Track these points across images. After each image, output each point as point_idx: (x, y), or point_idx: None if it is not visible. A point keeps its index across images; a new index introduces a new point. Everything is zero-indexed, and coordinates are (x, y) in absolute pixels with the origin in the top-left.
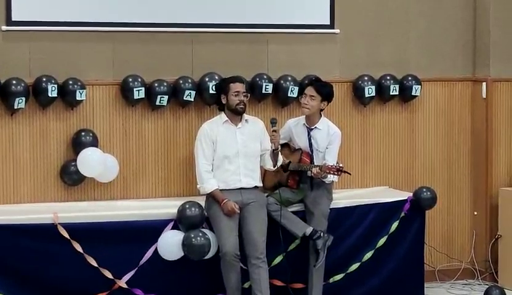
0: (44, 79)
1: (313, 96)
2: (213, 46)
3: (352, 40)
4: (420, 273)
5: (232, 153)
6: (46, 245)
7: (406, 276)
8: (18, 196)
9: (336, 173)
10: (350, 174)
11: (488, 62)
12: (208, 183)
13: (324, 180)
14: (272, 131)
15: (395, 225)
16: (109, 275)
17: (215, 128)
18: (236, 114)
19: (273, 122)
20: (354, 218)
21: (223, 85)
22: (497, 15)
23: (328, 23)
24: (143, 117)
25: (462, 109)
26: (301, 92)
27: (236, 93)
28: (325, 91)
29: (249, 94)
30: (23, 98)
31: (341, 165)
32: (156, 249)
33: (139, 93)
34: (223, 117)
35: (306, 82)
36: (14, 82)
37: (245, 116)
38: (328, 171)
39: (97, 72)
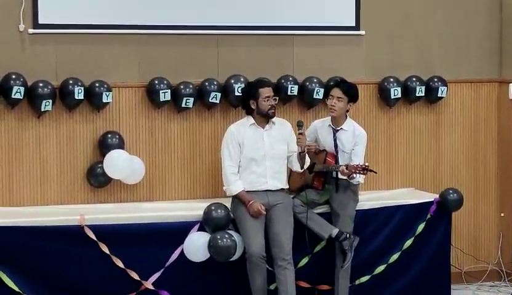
0: (71, 82)
1: (340, 97)
2: (238, 48)
3: (378, 42)
4: (447, 274)
5: (259, 156)
6: (73, 247)
7: (432, 278)
8: (45, 198)
9: (362, 172)
10: (376, 172)
11: None
12: (234, 185)
13: (351, 180)
14: (299, 133)
15: (421, 226)
16: (135, 276)
17: (242, 130)
18: (267, 118)
19: (300, 125)
20: (380, 220)
21: (252, 90)
22: None
23: (353, 24)
24: (169, 119)
25: (488, 110)
26: (326, 94)
27: (267, 98)
28: (351, 92)
29: (278, 98)
30: (50, 101)
31: (366, 164)
32: (182, 250)
33: (165, 95)
34: (250, 119)
35: (332, 83)
36: (41, 84)
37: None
38: (354, 170)
39: (123, 74)
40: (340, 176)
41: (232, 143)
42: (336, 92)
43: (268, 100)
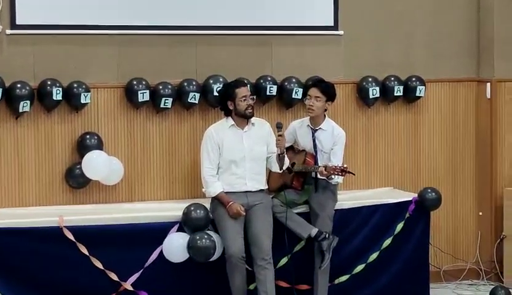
0: (49, 82)
1: (318, 97)
2: (217, 48)
3: (357, 42)
4: (425, 273)
5: (239, 158)
6: (52, 248)
7: (411, 277)
8: (24, 199)
9: (340, 174)
10: (354, 174)
11: (493, 63)
12: (213, 187)
13: (329, 181)
14: (278, 135)
15: (400, 226)
16: (114, 277)
17: (221, 132)
18: (245, 118)
19: (279, 127)
20: (359, 219)
21: (229, 91)
22: (501, 15)
23: (332, 24)
24: (148, 120)
25: (466, 109)
26: (305, 94)
27: (244, 98)
28: (329, 92)
29: (255, 97)
30: (28, 102)
31: (345, 166)
32: (161, 251)
33: (143, 96)
34: (229, 120)
35: (310, 83)
36: (19, 85)
37: (252, 119)
38: (332, 172)
39: (102, 75)
40: (319, 176)
41: (212, 145)
42: (314, 92)
43: (245, 100)
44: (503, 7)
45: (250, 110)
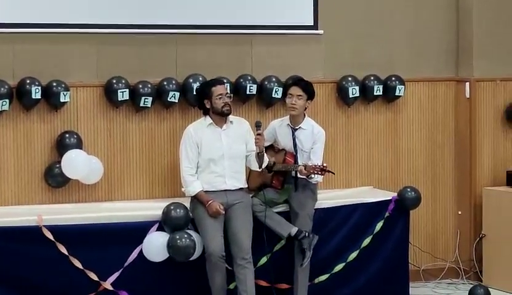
0: (28, 81)
1: (300, 95)
2: (197, 47)
3: (336, 41)
4: (405, 272)
5: (217, 156)
6: (31, 247)
7: (391, 276)
8: (2, 198)
9: (320, 173)
10: (334, 173)
11: (472, 63)
12: (192, 186)
13: (309, 180)
14: (257, 134)
15: (379, 225)
16: (94, 276)
17: (200, 130)
18: (222, 116)
19: (258, 125)
20: (338, 218)
21: (205, 90)
22: (480, 15)
23: (312, 23)
24: (127, 119)
25: (446, 109)
26: (285, 93)
27: (220, 96)
28: (309, 90)
29: (232, 95)
30: (7, 100)
31: (325, 165)
32: (141, 250)
33: (123, 95)
34: (207, 119)
35: (290, 82)
36: None
37: (230, 117)
38: (312, 171)
39: (81, 74)
40: (299, 175)
41: (190, 144)
42: (296, 90)
43: (220, 98)
44: (482, 7)
45: (227, 108)
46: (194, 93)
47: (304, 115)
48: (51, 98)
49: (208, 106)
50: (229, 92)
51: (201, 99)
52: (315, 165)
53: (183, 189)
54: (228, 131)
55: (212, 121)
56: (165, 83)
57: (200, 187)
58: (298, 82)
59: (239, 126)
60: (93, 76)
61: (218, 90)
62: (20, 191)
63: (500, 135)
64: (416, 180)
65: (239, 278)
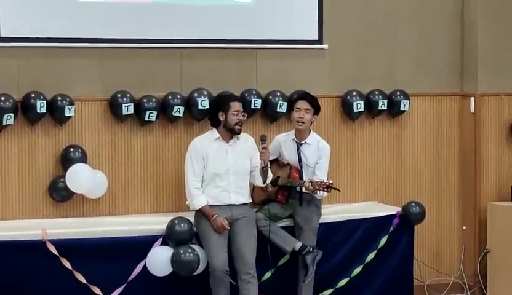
0: (33, 95)
1: (307, 109)
2: (201, 61)
3: (341, 56)
4: (409, 287)
5: (222, 171)
6: (35, 261)
7: (395, 291)
8: (7, 212)
9: (326, 190)
10: (340, 190)
11: (476, 77)
12: (198, 199)
13: (314, 195)
14: (262, 148)
15: (384, 240)
16: (98, 291)
17: (206, 144)
18: (232, 133)
19: (263, 139)
20: (343, 233)
21: (223, 102)
22: (484, 30)
23: (316, 38)
24: (132, 133)
25: (450, 123)
26: (289, 107)
27: (236, 112)
28: (316, 104)
29: (246, 115)
30: (12, 114)
31: (331, 182)
32: (145, 265)
33: (128, 109)
34: (214, 133)
35: (296, 96)
36: (2, 98)
37: None
38: (318, 188)
39: (86, 88)
40: (303, 190)
41: (196, 157)
42: (303, 104)
43: (236, 114)
44: (487, 22)
45: (239, 127)
46: (203, 106)
47: (310, 130)
48: (56, 112)
49: (222, 119)
50: (243, 111)
51: (215, 110)
52: (321, 182)
53: (187, 202)
54: (234, 147)
55: (219, 135)
56: (169, 97)
57: (205, 201)
58: (305, 96)
59: (245, 142)
60: (97, 90)
61: (235, 106)
62: (24, 205)
63: (505, 150)
64: (420, 195)
65: (243, 293)
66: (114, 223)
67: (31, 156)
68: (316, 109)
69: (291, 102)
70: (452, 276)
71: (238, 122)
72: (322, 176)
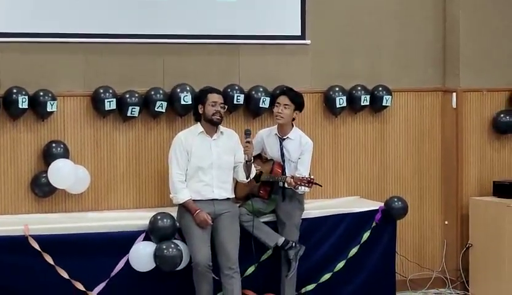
0: (15, 90)
1: (287, 104)
2: (184, 57)
3: (324, 51)
4: (392, 282)
5: (206, 165)
6: (17, 257)
7: (378, 285)
8: None
9: (307, 185)
10: (321, 186)
11: (458, 73)
12: (181, 193)
13: (296, 190)
14: (246, 142)
15: (366, 234)
16: (80, 286)
17: (190, 138)
18: (212, 124)
19: (247, 133)
20: (325, 228)
21: (201, 95)
22: (466, 26)
23: (299, 33)
24: (115, 128)
25: (432, 119)
26: (272, 103)
27: (213, 104)
28: (298, 100)
29: (226, 107)
30: None
31: (312, 177)
32: (128, 260)
33: (110, 104)
34: (198, 127)
35: (278, 91)
36: None
37: (221, 128)
38: (299, 183)
39: (68, 83)
40: (286, 185)
41: (180, 151)
42: (283, 99)
43: (214, 105)
44: (469, 17)
45: (218, 117)
46: (185, 101)
47: (293, 125)
48: (38, 108)
49: (201, 111)
50: (223, 103)
51: (196, 104)
52: (302, 177)
53: (171, 196)
54: (218, 141)
55: (202, 129)
56: (152, 92)
57: (188, 195)
58: (287, 91)
59: (229, 138)
60: (80, 86)
61: (213, 97)
62: (6, 200)
63: (487, 145)
64: (403, 190)
65: (226, 288)
66: (96, 218)
67: (12, 151)
68: (298, 105)
69: (275, 96)
70: (434, 270)
71: (215, 113)
72: (304, 171)
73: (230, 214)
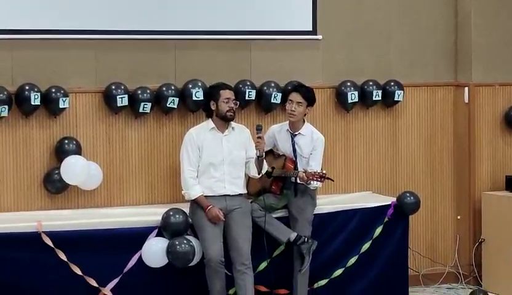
0: (27, 87)
1: (300, 102)
2: (196, 53)
3: (335, 46)
4: (404, 277)
5: (217, 161)
6: (30, 254)
7: (390, 280)
8: (2, 205)
9: (319, 180)
10: (333, 180)
11: (470, 67)
12: (193, 189)
13: (308, 186)
14: (257, 137)
15: (379, 230)
16: (93, 283)
17: (202, 134)
18: (225, 120)
19: (258, 129)
20: (337, 223)
21: (213, 92)
22: (478, 20)
23: (310, 29)
24: (126, 125)
25: (444, 113)
26: (284, 98)
27: (227, 100)
28: (310, 97)
29: (238, 103)
30: (6, 107)
31: (324, 172)
32: (140, 256)
33: (122, 101)
34: (210, 123)
35: (290, 88)
36: None
37: (232, 124)
38: (311, 178)
39: (80, 79)
40: (298, 181)
41: (192, 147)
42: (296, 97)
43: (227, 102)
44: (480, 12)
45: (231, 114)
46: (197, 97)
47: (304, 121)
48: (50, 104)
49: (213, 108)
50: (236, 99)
51: (208, 100)
52: (314, 172)
53: (183, 192)
54: (229, 137)
55: (214, 125)
56: (164, 88)
57: (200, 191)
58: (299, 88)
59: (240, 133)
60: (92, 82)
61: (226, 93)
62: (19, 197)
63: (499, 140)
64: (415, 185)
65: (239, 284)
66: (109, 215)
67: (25, 148)
68: (310, 101)
69: (286, 93)
70: (446, 265)
71: (229, 110)
72: (316, 166)
73: (242, 210)
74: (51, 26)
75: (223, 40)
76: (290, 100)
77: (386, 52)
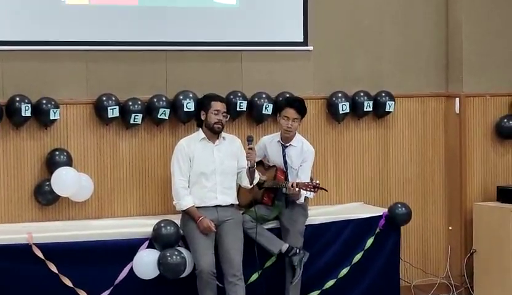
0: (17, 99)
1: (296, 118)
2: (187, 64)
3: (326, 57)
4: (396, 288)
5: (209, 171)
6: (21, 266)
7: (382, 292)
8: None
9: (312, 190)
10: (327, 190)
11: (461, 78)
12: (185, 200)
13: (297, 201)
14: (249, 148)
15: (370, 241)
16: None
17: (192, 144)
18: (213, 132)
19: (250, 140)
20: (329, 234)
21: (205, 102)
22: (469, 31)
23: (301, 40)
24: (118, 136)
25: (436, 124)
26: (275, 109)
27: (216, 112)
28: (304, 110)
29: (229, 116)
30: None
31: (317, 182)
32: (132, 268)
33: (113, 112)
34: (200, 133)
35: (284, 102)
36: None
37: (223, 134)
38: (304, 188)
39: (71, 91)
40: (288, 192)
41: (183, 157)
42: (292, 113)
43: (217, 114)
44: (471, 23)
45: (219, 126)
46: (188, 108)
47: (295, 133)
48: (41, 116)
49: (203, 118)
50: (226, 112)
51: (198, 110)
52: (308, 182)
53: (174, 202)
54: (220, 147)
55: (204, 136)
56: (155, 100)
57: (192, 202)
58: (293, 103)
59: (231, 143)
60: (83, 93)
61: (216, 105)
62: (10, 209)
63: (490, 150)
64: (406, 196)
65: None
66: (100, 226)
67: (16, 159)
68: (304, 114)
69: (279, 106)
70: (438, 276)
71: (217, 122)
72: (305, 179)
73: (234, 221)
74: (42, 37)
75: (214, 51)
76: (286, 116)
77: (377, 63)
